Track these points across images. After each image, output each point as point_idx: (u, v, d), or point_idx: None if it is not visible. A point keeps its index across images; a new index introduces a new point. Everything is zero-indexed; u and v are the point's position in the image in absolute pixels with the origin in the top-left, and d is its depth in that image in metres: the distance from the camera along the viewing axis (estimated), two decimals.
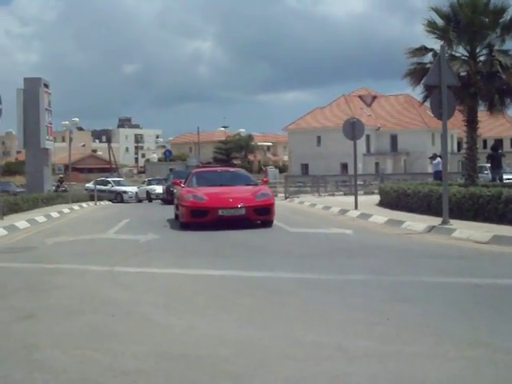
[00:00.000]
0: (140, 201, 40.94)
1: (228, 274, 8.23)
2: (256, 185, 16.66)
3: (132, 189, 44.20)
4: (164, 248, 11.48)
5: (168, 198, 29.60)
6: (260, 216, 15.18)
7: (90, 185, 44.61)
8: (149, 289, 7.44)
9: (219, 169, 22.77)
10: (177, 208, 16.89)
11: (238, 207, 14.81)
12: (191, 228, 14.80)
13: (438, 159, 30.25)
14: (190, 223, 15.04)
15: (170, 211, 19.35)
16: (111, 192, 43.06)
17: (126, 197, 42.48)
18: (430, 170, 32.61)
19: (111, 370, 4.25)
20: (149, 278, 8.27)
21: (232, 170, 21.76)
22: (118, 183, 46.32)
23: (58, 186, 41.17)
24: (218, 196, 15.36)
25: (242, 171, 20.15)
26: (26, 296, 7.14)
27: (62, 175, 48.82)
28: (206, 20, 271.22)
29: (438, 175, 29.52)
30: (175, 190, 17.81)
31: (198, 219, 14.89)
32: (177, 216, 16.95)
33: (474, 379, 3.98)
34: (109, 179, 48.05)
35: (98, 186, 43.17)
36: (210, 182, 16.73)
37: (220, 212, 14.75)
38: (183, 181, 17.23)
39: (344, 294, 6.73)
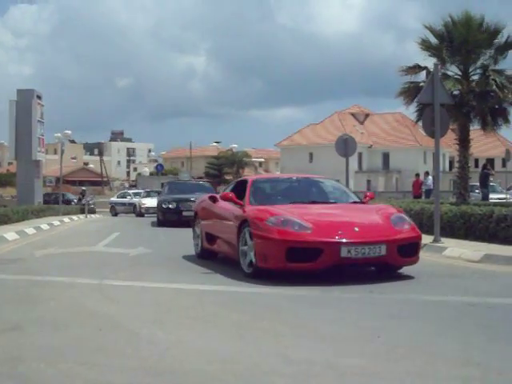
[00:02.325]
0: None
1: (217, 290, 8.15)
2: (363, 203, 10.59)
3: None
4: (154, 262, 11.37)
5: (159, 218, 23.08)
6: (404, 258, 8.89)
7: (113, 199, 43.69)
8: (137, 303, 7.36)
9: (295, 176, 13.01)
10: (210, 241, 11.14)
11: (375, 243, 8.48)
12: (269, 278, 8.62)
13: (430, 178, 30.30)
14: (283, 270, 8.60)
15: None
16: (130, 204, 40.73)
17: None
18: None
19: None
20: (137, 291, 8.18)
21: (315, 178, 12.84)
22: (139, 195, 42.74)
23: (79, 199, 39.60)
24: (330, 223, 8.97)
25: (333, 181, 12.51)
26: (13, 308, 7.04)
27: (84, 188, 47.34)
28: (199, 36, 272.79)
29: (428, 194, 29.56)
30: (220, 210, 10.85)
31: (301, 264, 8.44)
32: (205, 252, 11.54)
33: None
34: (129, 191, 46.67)
35: (119, 199, 42.55)
36: (289, 197, 10.49)
37: (344, 252, 8.31)
38: (230, 193, 10.47)
39: (335, 311, 6.66)
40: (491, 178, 30.68)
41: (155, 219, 24.45)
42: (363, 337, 5.45)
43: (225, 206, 10.69)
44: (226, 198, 10.49)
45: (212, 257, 11.37)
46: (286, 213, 9.04)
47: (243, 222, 9.42)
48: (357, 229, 8.73)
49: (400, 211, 10.08)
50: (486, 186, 28.45)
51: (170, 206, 22.53)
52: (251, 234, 9.03)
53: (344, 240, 8.43)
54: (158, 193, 28.90)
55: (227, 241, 10.24)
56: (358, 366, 4.55)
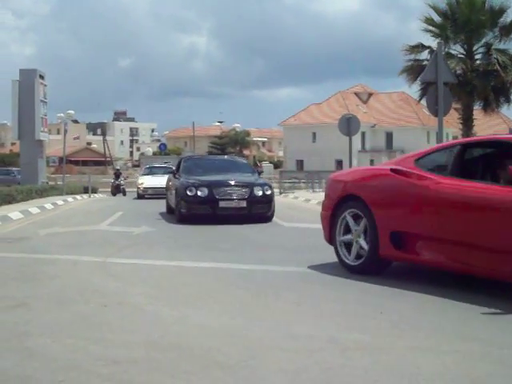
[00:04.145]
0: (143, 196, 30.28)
1: (221, 267, 8.20)
2: None
3: None
4: (157, 240, 11.43)
5: (181, 211, 14.85)
6: None
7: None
8: (141, 280, 7.41)
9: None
10: (404, 246, 6.88)
11: None
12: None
13: None
14: None
15: None
16: None
17: None
18: None
19: (102, 359, 4.22)
20: (141, 269, 8.24)
21: None
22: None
23: (114, 181, 37.21)
24: None
25: None
26: (18, 285, 7.10)
27: (118, 167, 43.90)
28: (201, 15, 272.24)
29: None
30: (464, 195, 6.34)
31: None
32: (378, 263, 7.28)
33: (466, 373, 3.96)
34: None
35: None
36: None
37: None
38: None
39: (338, 288, 6.71)
40: None
41: (160, 206, 18.96)
42: (365, 313, 5.50)
43: (482, 187, 6.36)
44: None
45: (381, 270, 7.36)
46: None
47: None
48: None
49: None
50: None
51: (199, 192, 14.69)
52: None
53: None
54: (173, 173, 17.45)
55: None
56: (360, 341, 4.59)
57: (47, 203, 22.21)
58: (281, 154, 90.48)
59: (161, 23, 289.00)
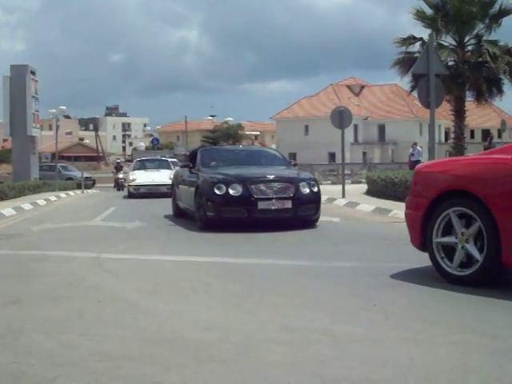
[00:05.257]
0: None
1: (215, 261, 8.20)
2: None
3: None
4: (151, 235, 11.42)
5: (207, 214, 11.83)
6: None
7: None
8: (135, 275, 7.41)
9: None
10: None
11: None
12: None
13: (418, 149, 30.15)
14: None
15: None
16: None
17: None
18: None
19: (97, 355, 4.22)
20: (135, 264, 8.24)
21: None
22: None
23: (115, 174, 35.70)
24: None
25: None
26: (12, 282, 7.09)
27: (118, 161, 42.61)
28: (191, 9, 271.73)
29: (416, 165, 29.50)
30: None
31: None
32: None
33: (460, 364, 3.97)
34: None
35: None
36: None
37: None
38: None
39: (331, 281, 6.72)
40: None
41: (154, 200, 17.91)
42: (359, 305, 5.50)
43: None
44: None
45: (496, 281, 6.07)
46: None
47: None
48: None
49: None
50: None
51: (232, 191, 11.73)
52: None
53: None
54: (188, 167, 13.94)
55: None
56: (355, 334, 4.61)
57: (40, 199, 22.18)
58: (273, 147, 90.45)
59: (151, 17, 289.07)
